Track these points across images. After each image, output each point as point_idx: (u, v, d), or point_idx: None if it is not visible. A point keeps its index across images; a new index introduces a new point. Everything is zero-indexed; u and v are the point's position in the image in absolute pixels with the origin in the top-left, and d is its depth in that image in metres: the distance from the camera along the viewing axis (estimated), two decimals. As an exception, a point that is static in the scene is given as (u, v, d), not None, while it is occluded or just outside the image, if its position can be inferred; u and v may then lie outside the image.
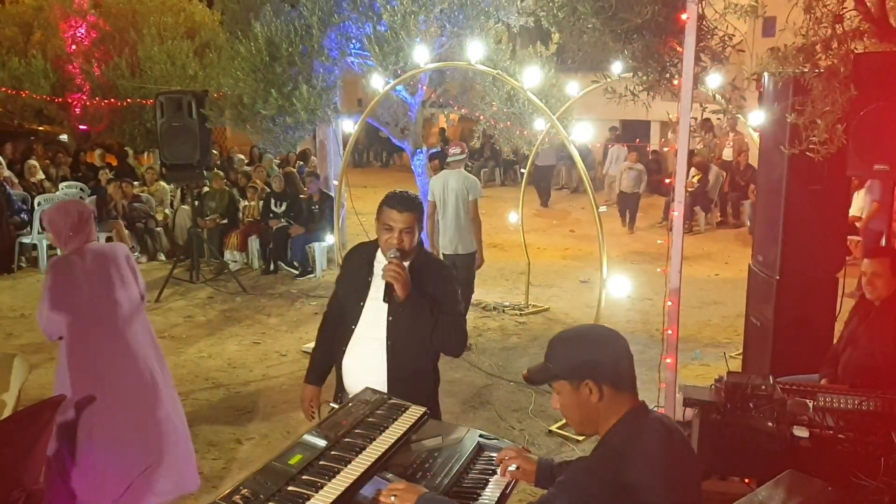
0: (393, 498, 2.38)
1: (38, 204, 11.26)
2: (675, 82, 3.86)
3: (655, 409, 3.26)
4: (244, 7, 8.95)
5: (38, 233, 11.11)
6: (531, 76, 6.66)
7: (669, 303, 4.12)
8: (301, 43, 7.90)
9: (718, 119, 4.46)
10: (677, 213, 3.97)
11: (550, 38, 9.05)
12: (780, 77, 4.81)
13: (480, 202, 7.91)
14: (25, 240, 11.23)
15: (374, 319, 3.42)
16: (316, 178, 11.18)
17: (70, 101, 15.95)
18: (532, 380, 2.40)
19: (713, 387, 3.83)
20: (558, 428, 5.90)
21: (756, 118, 5.64)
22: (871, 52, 4.71)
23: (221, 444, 5.71)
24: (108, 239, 11.78)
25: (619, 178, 14.62)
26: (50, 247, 11.24)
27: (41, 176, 13.68)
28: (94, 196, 12.33)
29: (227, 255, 11.30)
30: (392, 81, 7.38)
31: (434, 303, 3.38)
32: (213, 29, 16.68)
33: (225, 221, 11.58)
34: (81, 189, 13.25)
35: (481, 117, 8.80)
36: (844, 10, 4.67)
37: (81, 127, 16.72)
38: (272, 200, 11.34)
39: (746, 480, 3.66)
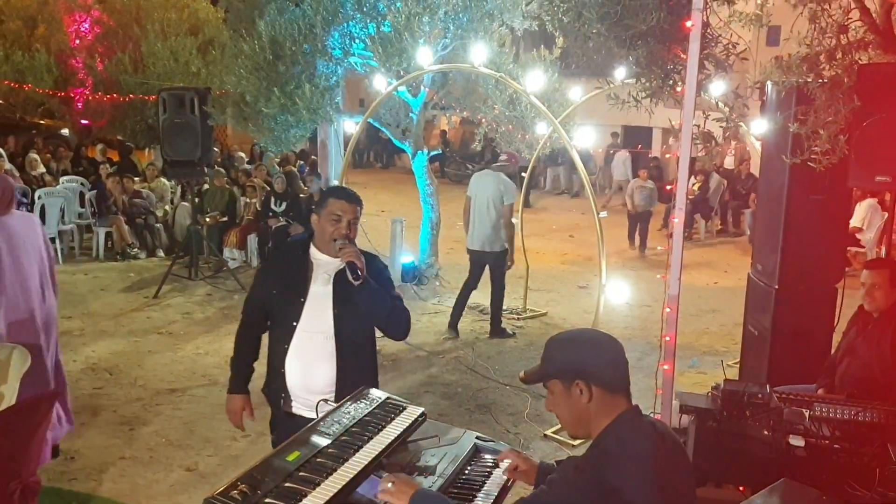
0: (390, 484, 2.38)
1: (39, 197, 11.24)
2: (679, 89, 3.87)
3: (651, 415, 3.27)
4: (249, 5, 8.98)
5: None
6: (534, 80, 6.67)
7: (668, 309, 4.12)
8: (304, 42, 7.93)
9: (721, 126, 4.47)
10: (678, 220, 3.98)
11: (554, 43, 9.04)
12: (784, 86, 4.82)
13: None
14: (25, 233, 11.20)
15: (317, 314, 3.40)
16: (317, 178, 11.19)
17: (72, 95, 15.97)
18: (527, 380, 2.42)
19: (710, 394, 3.84)
20: (553, 432, 5.90)
21: (758, 127, 5.65)
22: (875, 63, 4.72)
23: (217, 441, 5.70)
24: (108, 234, 11.81)
25: (629, 196, 13.69)
26: (49, 240, 11.22)
27: (42, 170, 13.68)
28: (95, 191, 12.33)
29: (226, 253, 11.30)
30: (394, 82, 7.39)
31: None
32: (216, 26, 16.72)
33: (225, 219, 11.59)
34: (82, 184, 13.24)
35: (483, 120, 8.81)
36: (849, 21, 4.68)
37: (83, 122, 16.74)
38: (272, 199, 11.34)
39: (741, 488, 3.66)
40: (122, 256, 11.60)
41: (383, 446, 2.65)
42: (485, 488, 2.71)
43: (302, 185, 12.07)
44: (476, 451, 2.93)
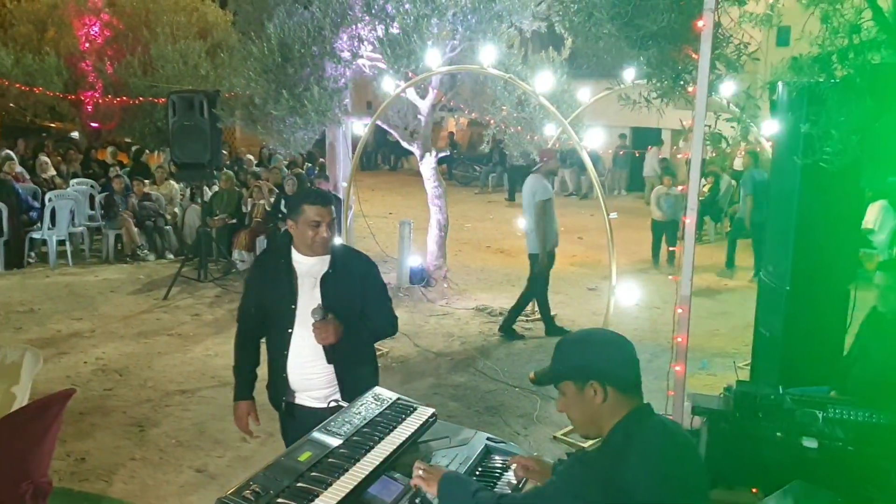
0: (421, 472, 2.44)
1: (49, 200, 11.29)
2: (690, 89, 3.85)
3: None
4: (257, 8, 8.99)
5: (49, 229, 11.15)
6: (544, 81, 6.65)
7: (679, 310, 4.10)
8: (313, 44, 7.93)
9: (732, 128, 4.45)
10: (689, 221, 3.96)
11: (563, 44, 9.03)
12: (795, 87, 4.79)
13: (488, 207, 7.93)
14: (35, 235, 11.27)
15: (309, 318, 3.43)
16: (325, 180, 11.19)
17: (82, 98, 16.03)
18: (539, 381, 2.40)
19: (722, 396, 3.82)
20: (563, 435, 5.89)
21: (769, 127, 5.63)
22: (888, 63, 4.69)
23: (227, 442, 5.71)
24: (117, 237, 11.84)
25: (655, 204, 12.71)
26: (59, 242, 11.29)
27: (52, 172, 13.74)
28: (105, 193, 12.38)
29: (235, 255, 11.31)
30: (402, 84, 7.39)
31: (362, 295, 3.56)
32: (225, 29, 16.80)
33: (233, 221, 11.61)
34: (92, 186, 13.30)
35: (492, 122, 8.80)
36: (862, 21, 4.65)
37: (92, 124, 16.81)
38: (282, 201, 11.34)
39: (754, 490, 3.64)
40: (132, 258, 11.64)
41: (394, 447, 2.65)
42: (498, 489, 2.70)
43: (310, 186, 12.04)
44: (487, 453, 2.92)
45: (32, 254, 11.45)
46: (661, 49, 3.72)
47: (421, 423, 2.85)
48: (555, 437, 5.88)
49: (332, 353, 3.46)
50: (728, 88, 5.04)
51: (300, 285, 3.49)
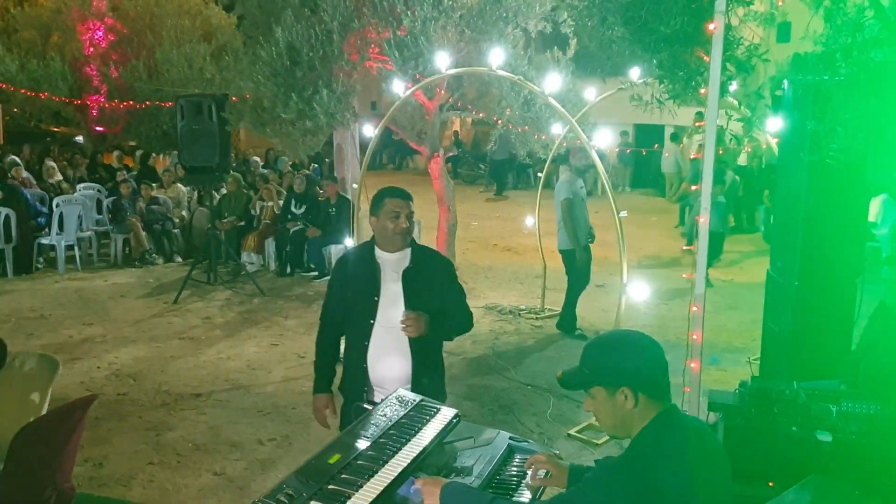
0: (419, 486, 2.48)
1: (57, 206, 11.35)
2: (702, 91, 3.92)
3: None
4: (265, 12, 9.03)
5: (57, 234, 11.21)
6: (552, 82, 6.70)
7: (694, 308, 4.17)
8: (321, 47, 7.97)
9: (743, 127, 4.51)
10: (703, 220, 4.02)
11: (568, 44, 9.08)
12: (801, 84, 4.85)
13: (494, 205, 8.01)
14: (44, 241, 11.33)
15: (392, 310, 3.63)
16: (334, 182, 11.24)
17: (88, 103, 16.09)
18: (568, 384, 2.42)
19: (738, 391, 3.88)
20: (577, 432, 5.95)
21: (773, 124, 5.67)
22: (891, 61, 4.74)
23: (243, 445, 5.77)
24: (125, 241, 11.91)
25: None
26: (68, 247, 11.35)
27: (59, 177, 13.81)
28: (113, 198, 12.44)
29: (244, 257, 11.37)
30: (410, 86, 7.44)
31: (440, 292, 3.71)
32: (229, 32, 16.82)
33: (242, 223, 11.67)
34: (99, 191, 13.37)
35: (499, 122, 8.85)
36: (865, 19, 4.70)
37: (98, 129, 16.87)
38: (293, 202, 11.40)
39: (770, 484, 3.70)
40: (140, 262, 11.69)
41: (421, 448, 2.70)
42: (521, 489, 2.76)
43: (318, 188, 12.10)
44: (510, 452, 2.98)
45: (41, 259, 11.51)
46: (673, 52, 3.78)
47: (445, 423, 2.91)
48: (569, 435, 5.94)
49: (415, 346, 3.63)
50: (732, 86, 5.09)
51: (383, 279, 3.68)
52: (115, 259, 11.83)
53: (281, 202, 11.81)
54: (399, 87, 7.30)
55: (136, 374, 7.22)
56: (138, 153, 17.02)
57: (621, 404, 2.27)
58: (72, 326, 8.65)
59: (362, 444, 2.65)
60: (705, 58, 3.81)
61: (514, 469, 2.88)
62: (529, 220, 9.91)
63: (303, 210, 11.29)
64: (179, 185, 13.14)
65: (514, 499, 2.68)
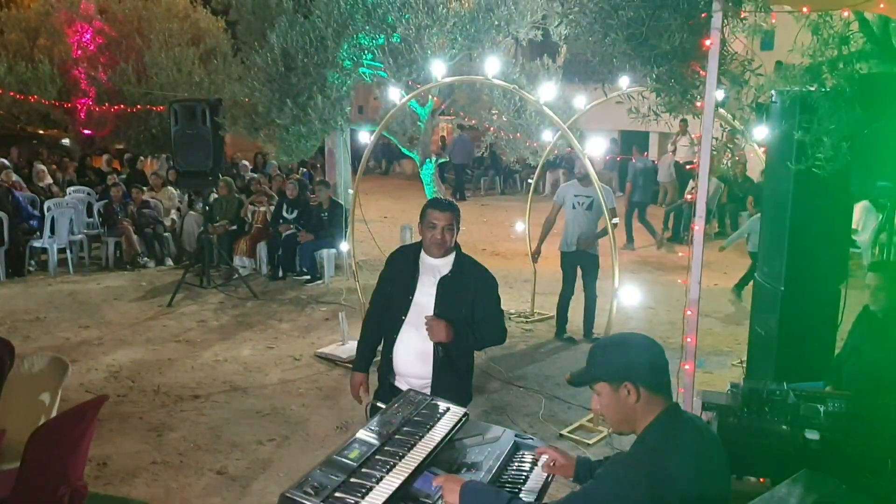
0: (440, 482, 2.61)
1: (48, 209, 11.39)
2: (698, 104, 4.08)
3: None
4: (259, 18, 9.13)
5: (48, 237, 11.25)
6: (547, 91, 6.85)
7: (689, 312, 4.33)
8: (316, 54, 8.07)
9: (737, 138, 4.67)
10: (697, 227, 4.18)
11: (558, 52, 9.24)
12: (788, 95, 5.02)
13: (481, 210, 8.19)
14: (36, 244, 11.37)
15: (422, 312, 3.89)
16: (326, 186, 11.34)
17: (77, 106, 16.11)
18: (575, 382, 2.60)
19: (730, 392, 4.04)
20: (569, 432, 6.10)
21: (759, 133, 5.84)
22: (875, 73, 4.92)
23: (244, 446, 5.87)
24: (118, 245, 11.95)
25: (747, 237, 9.97)
26: (60, 250, 11.39)
27: (49, 181, 13.81)
28: (104, 201, 12.48)
29: (237, 261, 11.44)
30: (405, 92, 7.55)
31: (472, 304, 3.94)
32: (217, 36, 16.90)
33: (234, 227, 11.75)
34: (89, 194, 13.40)
35: (490, 129, 9.00)
36: (850, 33, 4.88)
37: (86, 131, 16.88)
38: (284, 206, 11.49)
39: (762, 480, 3.87)
40: (132, 266, 11.74)
41: (435, 443, 2.85)
42: (528, 484, 2.91)
43: (310, 192, 12.20)
44: (516, 448, 3.13)
45: (33, 262, 11.54)
46: (672, 66, 3.95)
47: (456, 421, 3.06)
48: (561, 434, 6.09)
49: (438, 349, 3.87)
50: (719, 95, 5.25)
51: (420, 281, 3.97)
52: (106, 262, 11.87)
53: (272, 207, 11.89)
54: (394, 95, 7.42)
55: (134, 375, 7.30)
56: (126, 156, 17.03)
57: (624, 398, 2.44)
58: (68, 329, 8.71)
59: (379, 441, 2.79)
60: (702, 72, 3.98)
61: (521, 465, 3.03)
62: (519, 226, 10.06)
63: (294, 215, 11.38)
64: (171, 188, 13.19)
65: (525, 498, 2.83)
